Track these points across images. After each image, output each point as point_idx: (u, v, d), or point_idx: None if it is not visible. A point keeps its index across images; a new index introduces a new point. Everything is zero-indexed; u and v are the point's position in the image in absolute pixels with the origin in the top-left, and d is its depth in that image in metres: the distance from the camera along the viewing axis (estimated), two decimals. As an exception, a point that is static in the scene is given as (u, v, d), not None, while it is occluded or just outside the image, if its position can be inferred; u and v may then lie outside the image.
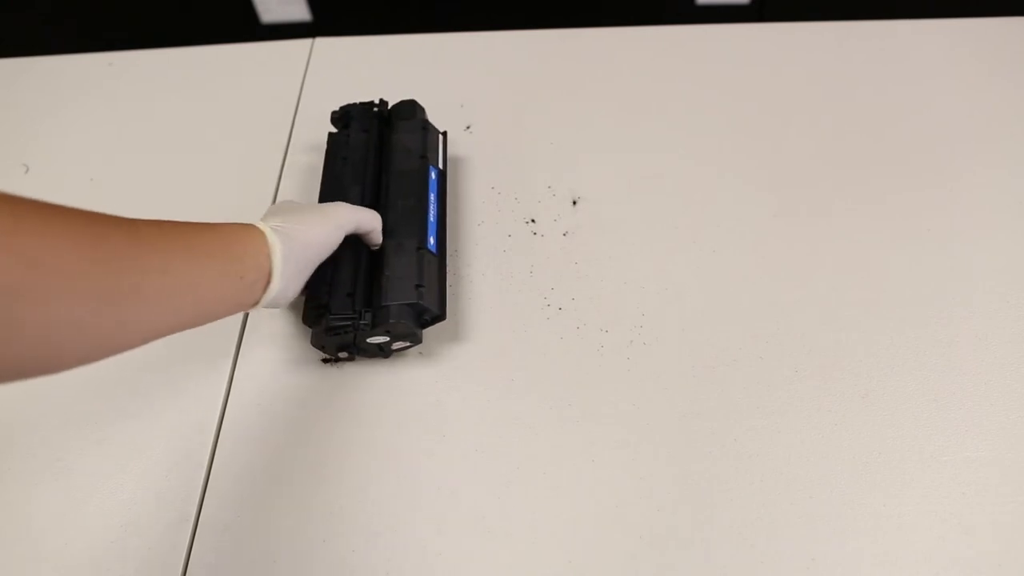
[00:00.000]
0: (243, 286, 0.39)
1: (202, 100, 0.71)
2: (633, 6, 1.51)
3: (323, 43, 0.76)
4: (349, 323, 0.47)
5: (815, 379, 0.50)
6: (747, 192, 0.61)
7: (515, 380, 0.51)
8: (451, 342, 0.53)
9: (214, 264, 0.37)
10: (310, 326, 0.49)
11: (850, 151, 0.64)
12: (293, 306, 0.55)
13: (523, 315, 0.54)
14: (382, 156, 0.57)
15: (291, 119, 0.69)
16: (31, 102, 0.72)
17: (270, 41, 0.76)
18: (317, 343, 0.49)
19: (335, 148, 0.58)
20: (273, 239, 0.41)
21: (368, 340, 0.48)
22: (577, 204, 0.61)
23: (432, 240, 0.52)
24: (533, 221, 0.60)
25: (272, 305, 0.43)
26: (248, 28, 1.51)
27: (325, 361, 0.52)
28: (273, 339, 0.54)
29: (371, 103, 0.61)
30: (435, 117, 0.61)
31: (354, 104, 0.61)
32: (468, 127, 0.67)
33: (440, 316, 0.50)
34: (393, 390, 0.51)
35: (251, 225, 0.41)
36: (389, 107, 0.61)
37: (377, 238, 0.51)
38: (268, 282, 0.41)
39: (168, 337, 0.36)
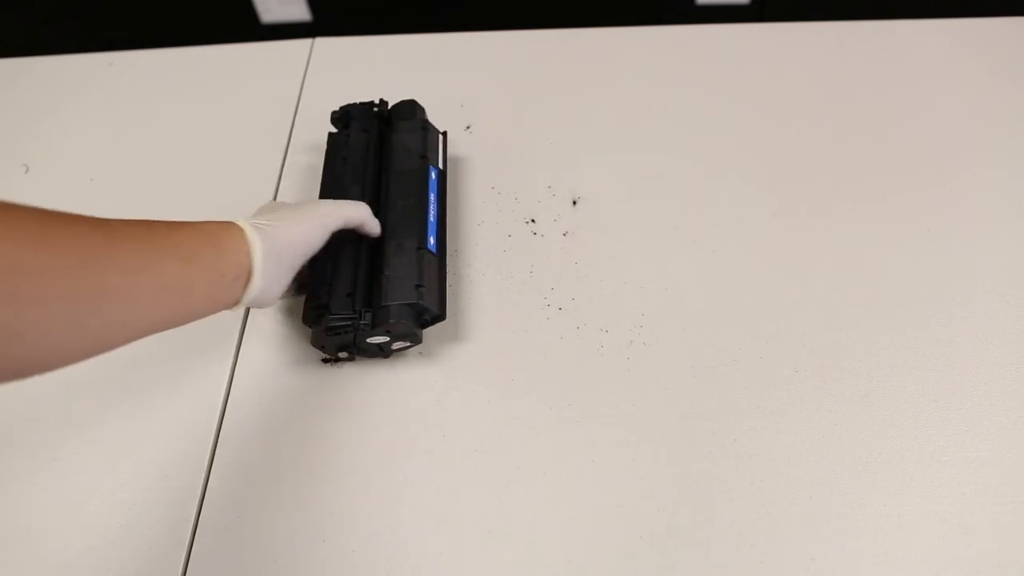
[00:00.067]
0: (223, 284, 0.39)
1: (202, 100, 0.71)
2: (633, 6, 1.51)
3: (323, 43, 0.76)
4: (349, 323, 0.47)
5: (815, 379, 0.50)
6: (747, 192, 0.61)
7: (515, 380, 0.51)
8: (451, 342, 0.53)
9: (194, 262, 0.37)
10: (310, 326, 0.49)
11: (850, 151, 0.64)
12: (293, 306, 0.55)
13: (523, 315, 0.54)
14: (382, 156, 0.57)
15: (291, 119, 0.69)
16: (31, 102, 0.72)
17: (270, 41, 0.76)
18: (317, 343, 0.49)
19: (335, 148, 0.58)
20: (253, 237, 0.41)
21: (368, 340, 0.48)
22: (577, 204, 0.61)
23: (432, 240, 0.52)
24: (533, 221, 0.60)
25: (255, 304, 0.42)
26: (248, 28, 1.51)
27: (325, 361, 0.52)
28: (273, 339, 0.54)
29: (371, 103, 0.61)
30: (435, 117, 0.61)
31: (354, 104, 0.61)
32: (468, 127, 0.67)
33: (440, 316, 0.50)
34: (393, 390, 0.51)
35: (231, 223, 0.41)
36: (389, 107, 0.61)
37: (373, 228, 0.50)
38: (249, 280, 0.40)
39: (168, 338, 0.36)
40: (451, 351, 0.52)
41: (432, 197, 0.55)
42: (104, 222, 0.33)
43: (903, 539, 0.43)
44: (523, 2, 1.50)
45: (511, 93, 0.70)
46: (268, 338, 0.54)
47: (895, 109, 0.67)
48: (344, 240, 0.50)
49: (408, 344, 0.50)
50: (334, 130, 0.61)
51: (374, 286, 0.49)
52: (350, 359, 0.52)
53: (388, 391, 0.51)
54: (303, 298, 0.50)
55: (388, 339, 0.49)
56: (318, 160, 0.60)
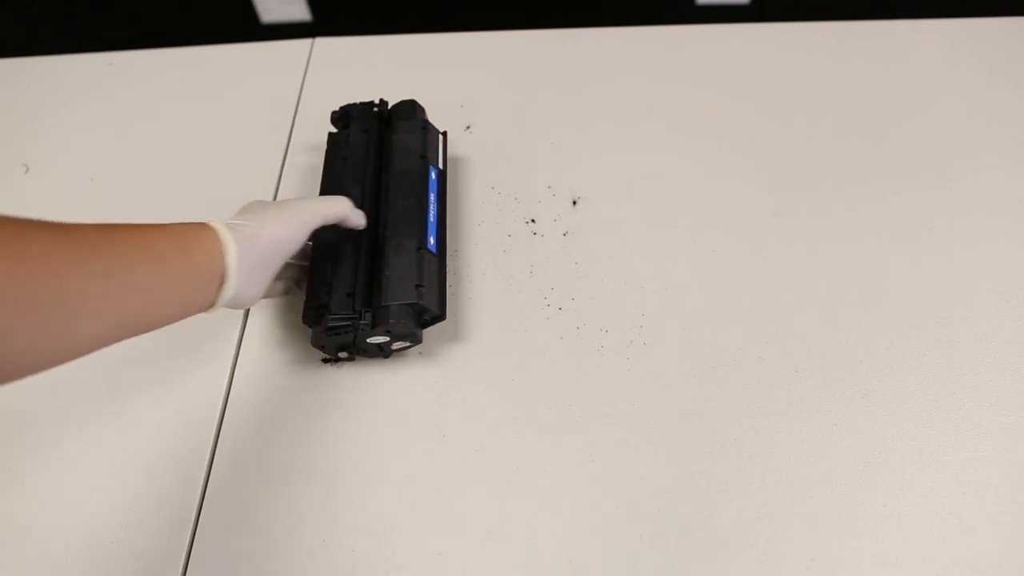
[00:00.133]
0: (195, 287, 0.38)
1: (202, 100, 0.71)
2: (633, 6, 1.51)
3: (323, 43, 0.76)
4: (349, 323, 0.47)
5: (815, 379, 0.50)
6: (747, 192, 0.61)
7: (515, 380, 0.51)
8: (451, 342, 0.53)
9: (164, 265, 0.36)
10: (310, 326, 0.49)
11: (850, 151, 0.64)
12: (293, 306, 0.55)
13: (523, 315, 0.54)
14: (382, 156, 0.57)
15: (291, 119, 0.69)
16: (31, 102, 0.72)
17: (270, 41, 0.76)
18: (317, 343, 0.49)
19: (335, 148, 0.58)
20: (227, 237, 0.39)
21: (368, 340, 0.48)
22: (577, 204, 0.61)
23: (432, 240, 0.52)
24: (533, 221, 0.60)
25: (233, 306, 0.41)
26: (248, 28, 1.51)
27: (325, 361, 0.52)
28: (273, 339, 0.54)
29: (371, 103, 0.61)
30: (435, 117, 0.61)
31: (354, 104, 0.61)
32: (468, 127, 0.67)
33: (440, 316, 0.50)
34: (393, 390, 0.51)
35: (204, 224, 0.39)
36: (389, 107, 0.61)
37: (357, 221, 0.49)
38: (223, 282, 0.39)
39: (168, 338, 0.36)
40: (451, 351, 0.52)
41: (432, 197, 0.55)
42: (65, 227, 0.32)
43: (903, 539, 0.43)
44: (523, 2, 1.50)
45: (511, 93, 0.70)
46: (268, 338, 0.54)
47: (895, 109, 0.67)
48: (344, 240, 0.50)
49: (408, 344, 0.50)
50: (334, 130, 0.60)
51: (374, 286, 0.49)
52: (350, 359, 0.52)
53: (388, 391, 0.51)
54: (301, 298, 0.50)
55: (388, 339, 0.49)
56: (318, 160, 0.60)
